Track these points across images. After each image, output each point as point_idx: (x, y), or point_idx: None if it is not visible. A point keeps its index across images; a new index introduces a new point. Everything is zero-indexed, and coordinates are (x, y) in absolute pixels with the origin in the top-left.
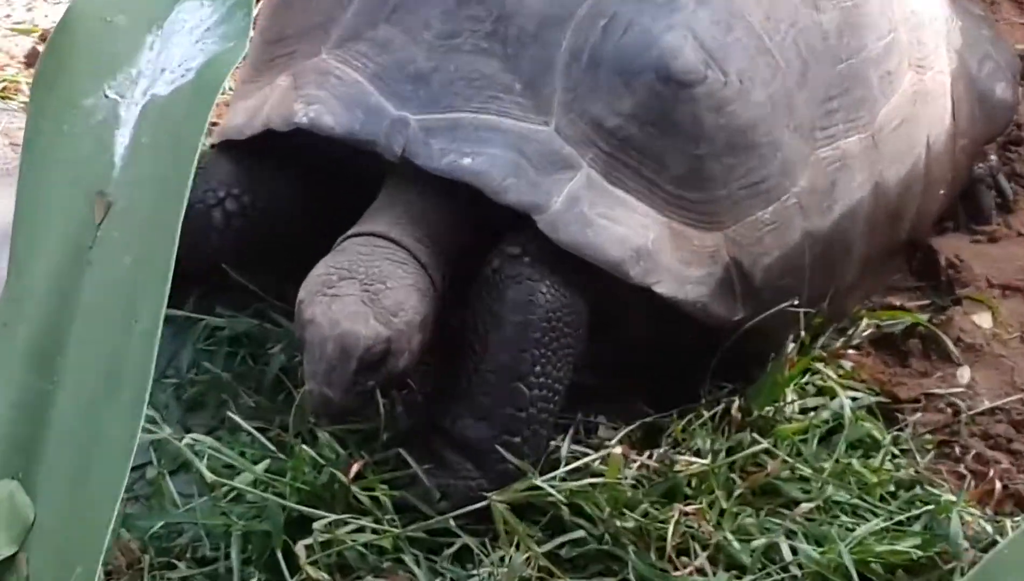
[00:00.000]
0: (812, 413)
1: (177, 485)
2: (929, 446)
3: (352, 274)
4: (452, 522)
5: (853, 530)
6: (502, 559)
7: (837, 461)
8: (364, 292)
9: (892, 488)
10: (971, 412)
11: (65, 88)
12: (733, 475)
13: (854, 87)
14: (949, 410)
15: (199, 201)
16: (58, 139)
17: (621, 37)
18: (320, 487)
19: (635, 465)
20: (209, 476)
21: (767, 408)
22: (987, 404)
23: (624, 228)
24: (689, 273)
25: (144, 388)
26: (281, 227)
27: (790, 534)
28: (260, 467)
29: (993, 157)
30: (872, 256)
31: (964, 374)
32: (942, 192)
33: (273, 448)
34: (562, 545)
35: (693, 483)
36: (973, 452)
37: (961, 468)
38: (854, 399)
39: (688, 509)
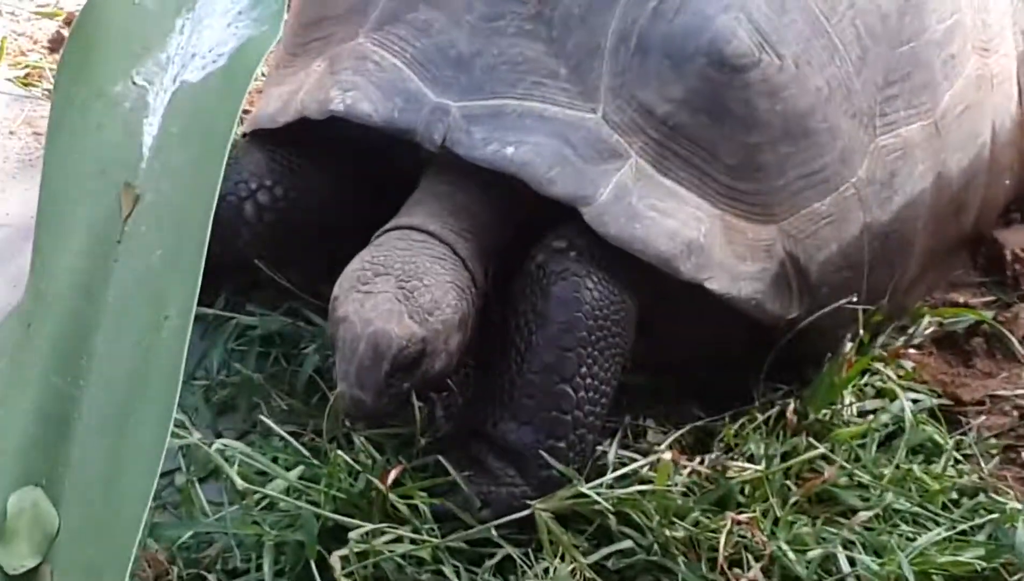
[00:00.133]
0: (871, 416)
1: (207, 493)
2: (994, 451)
3: (388, 270)
4: (494, 531)
5: (914, 540)
6: (546, 570)
7: (897, 467)
8: (399, 289)
9: (955, 495)
10: None
11: (91, 75)
12: (788, 482)
13: (915, 71)
14: (1015, 413)
15: (230, 193)
16: (84, 128)
17: (672, 19)
18: (356, 495)
19: (685, 471)
20: (240, 483)
21: (824, 411)
22: None
23: (675, 221)
24: (743, 269)
25: (173, 390)
26: (316, 220)
27: (848, 544)
28: (293, 474)
29: None
30: (934, 250)
31: None
32: (1008, 182)
33: (307, 454)
34: (609, 556)
35: (746, 490)
36: None
37: None
38: (915, 401)
39: (741, 518)
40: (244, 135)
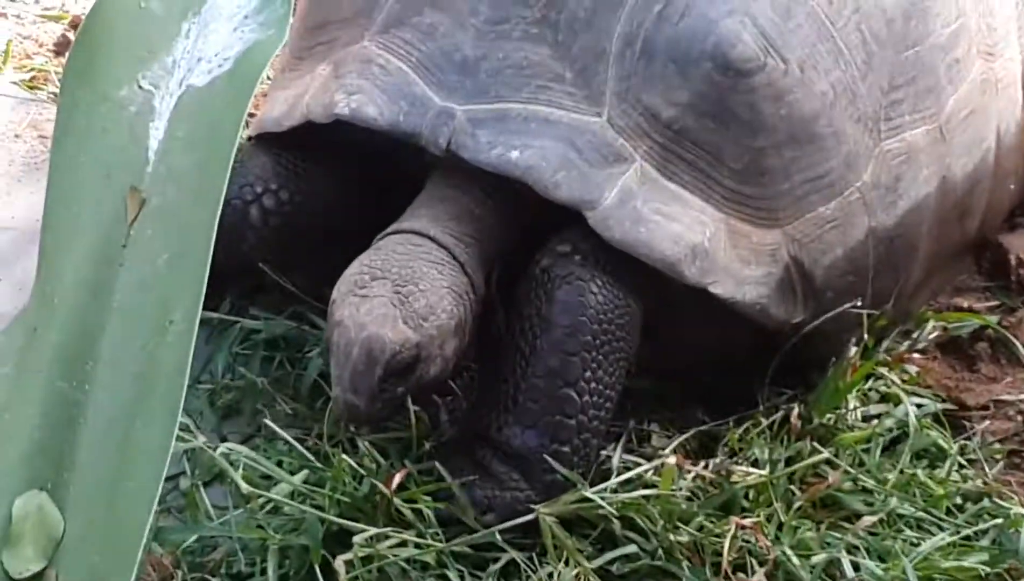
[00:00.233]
0: (875, 421)
1: (212, 497)
2: (998, 456)
3: (385, 274)
4: (498, 536)
5: (918, 545)
6: (550, 575)
7: (901, 472)
8: (395, 294)
9: (959, 500)
10: None
11: (97, 78)
12: (792, 487)
13: (920, 76)
14: (1020, 417)
15: (235, 197)
16: (90, 132)
17: (677, 23)
18: (360, 499)
19: (690, 476)
20: (245, 487)
21: (828, 416)
22: None
23: (679, 225)
24: (747, 273)
25: (178, 394)
26: (321, 224)
27: (852, 549)
28: (298, 478)
29: None
30: (939, 254)
31: None
32: (1013, 186)
33: (311, 458)
34: (613, 560)
35: (750, 495)
36: None
37: None
38: (919, 406)
39: (745, 522)
40: (249, 138)
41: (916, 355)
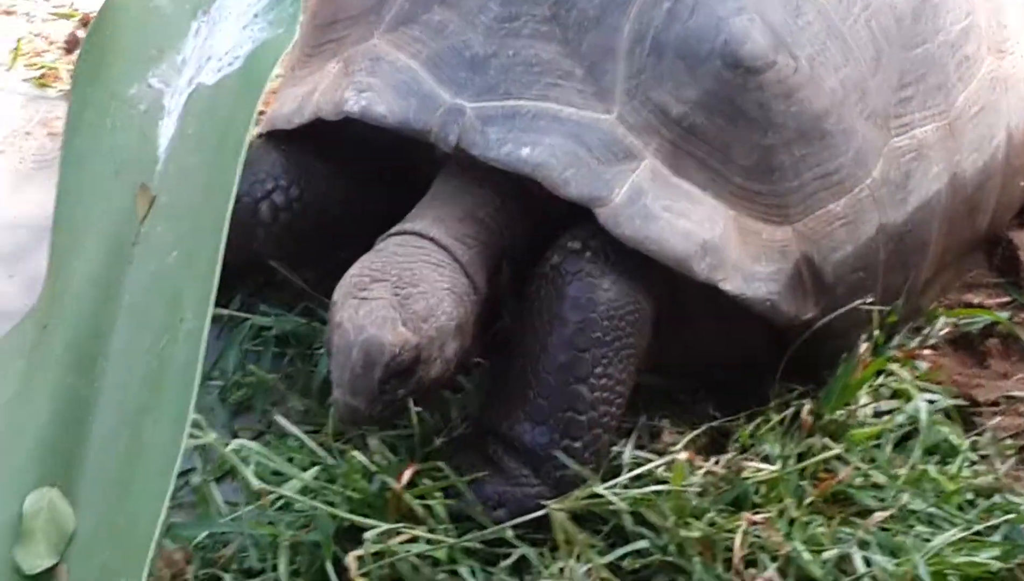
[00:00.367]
0: (886, 417)
1: (223, 492)
2: (1009, 451)
3: (385, 276)
4: (509, 532)
5: (929, 540)
6: (561, 570)
7: (912, 467)
8: (395, 296)
9: (970, 496)
10: None
11: (107, 76)
12: (803, 482)
13: (930, 73)
14: None
15: (246, 194)
16: (100, 130)
17: (687, 21)
18: (372, 495)
19: (701, 472)
20: (256, 483)
21: (839, 411)
22: None
23: (689, 222)
24: (757, 269)
25: (190, 391)
26: (331, 221)
27: (863, 544)
28: (309, 474)
29: None
30: (949, 251)
31: None
32: (1023, 183)
33: (322, 454)
34: (624, 556)
35: (761, 491)
36: None
37: None
38: (930, 402)
39: (756, 518)
40: (260, 136)
41: (927, 351)
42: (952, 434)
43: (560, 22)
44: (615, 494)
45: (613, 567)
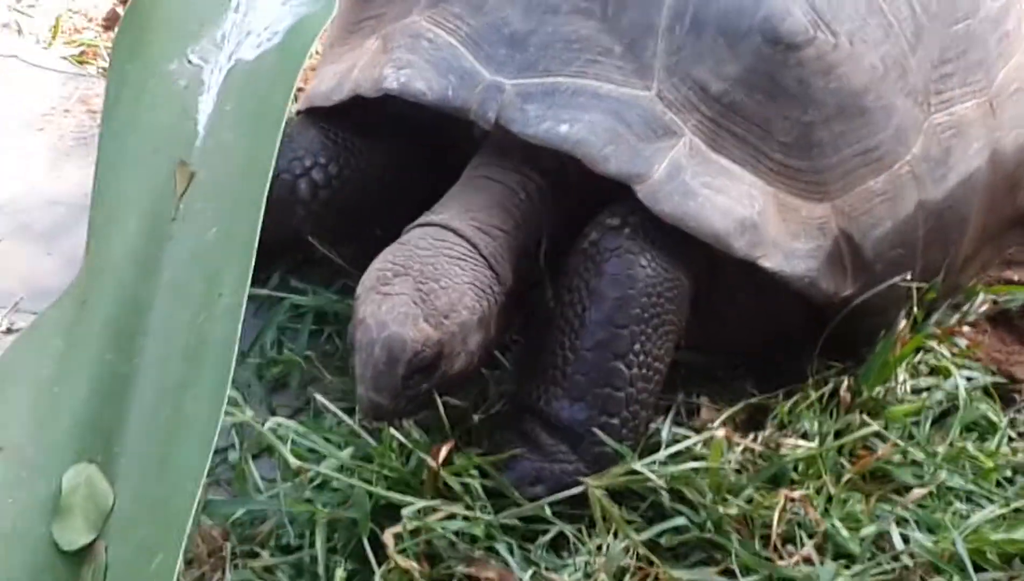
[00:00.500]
0: (925, 394)
1: (260, 470)
2: None
3: (407, 270)
4: (547, 508)
5: (968, 517)
6: (599, 547)
7: (951, 444)
8: (417, 291)
9: (1009, 473)
10: None
11: (146, 53)
12: (842, 459)
13: (970, 49)
14: None
15: (284, 171)
16: (139, 106)
17: None
18: (408, 473)
19: (739, 448)
20: (293, 461)
21: (877, 389)
22: None
23: (728, 198)
24: (796, 246)
25: (227, 368)
26: (369, 198)
27: (901, 521)
28: (346, 452)
29: None
30: (989, 227)
31: None
32: None
33: (359, 431)
34: (662, 533)
35: (799, 468)
36: None
37: None
38: (969, 379)
39: (794, 495)
40: (299, 113)
41: (966, 328)
42: (990, 411)
43: None
44: (653, 471)
45: (651, 544)
